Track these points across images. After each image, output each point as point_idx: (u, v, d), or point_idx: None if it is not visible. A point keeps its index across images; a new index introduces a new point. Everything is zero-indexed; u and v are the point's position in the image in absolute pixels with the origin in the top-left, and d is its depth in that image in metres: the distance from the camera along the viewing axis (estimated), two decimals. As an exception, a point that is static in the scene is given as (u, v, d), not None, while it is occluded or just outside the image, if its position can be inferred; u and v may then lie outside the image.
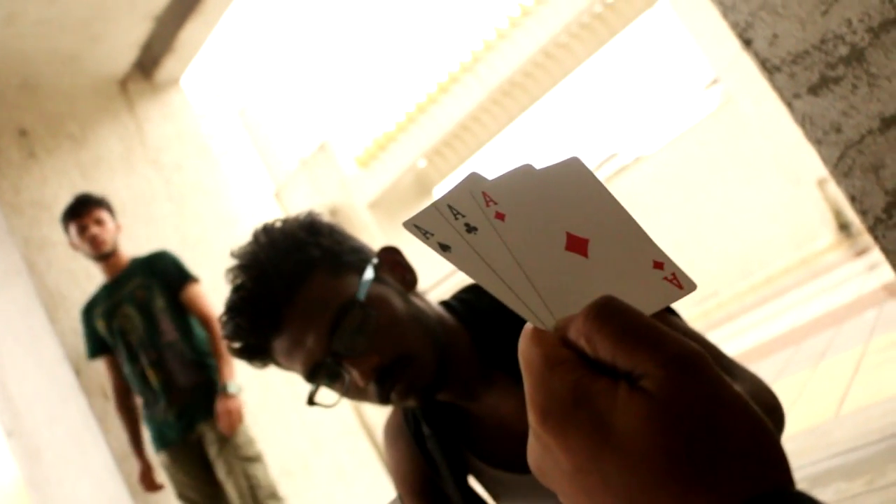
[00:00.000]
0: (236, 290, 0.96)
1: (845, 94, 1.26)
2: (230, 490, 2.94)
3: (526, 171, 0.35)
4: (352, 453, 4.21)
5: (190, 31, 4.08)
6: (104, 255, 3.06)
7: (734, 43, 1.38)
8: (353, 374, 0.92)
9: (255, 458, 3.03)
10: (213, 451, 2.97)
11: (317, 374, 0.94)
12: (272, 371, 3.51)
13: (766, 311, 6.17)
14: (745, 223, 8.70)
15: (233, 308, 0.96)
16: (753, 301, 7.39)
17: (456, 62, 10.69)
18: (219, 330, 3.08)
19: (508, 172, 0.35)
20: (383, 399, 0.95)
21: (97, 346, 3.06)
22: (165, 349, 3.00)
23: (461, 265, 0.35)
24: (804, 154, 7.01)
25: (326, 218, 1.03)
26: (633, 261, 0.35)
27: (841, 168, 1.30)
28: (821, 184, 7.48)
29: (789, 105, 1.31)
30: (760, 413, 0.31)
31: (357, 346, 0.92)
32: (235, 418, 2.94)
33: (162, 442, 2.99)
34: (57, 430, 3.68)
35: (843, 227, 7.53)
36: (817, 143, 1.31)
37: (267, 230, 0.99)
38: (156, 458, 3.06)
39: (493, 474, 1.05)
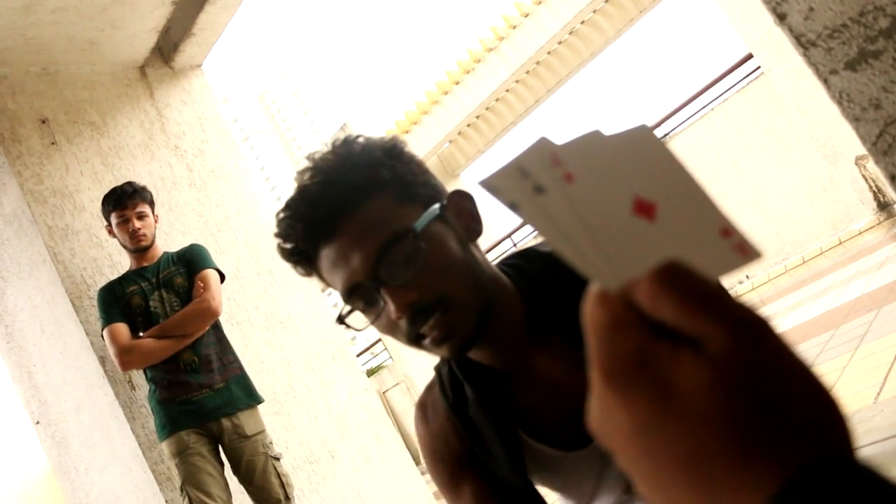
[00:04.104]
0: (300, 190, 0.94)
1: (886, 68, 1.20)
2: (262, 486, 2.99)
3: (595, 136, 0.36)
4: (378, 440, 4.21)
5: (209, 16, 4.03)
6: (142, 249, 3.15)
7: (767, 17, 1.32)
8: (389, 305, 0.90)
9: (281, 457, 3.13)
10: (245, 447, 3.01)
11: (354, 294, 0.93)
12: (298, 359, 3.52)
13: (802, 294, 6.06)
14: (780, 203, 8.52)
15: (291, 206, 0.94)
16: (788, 284, 7.27)
17: (478, 40, 10.59)
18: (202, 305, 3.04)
19: (577, 137, 0.36)
20: (412, 338, 0.93)
21: (121, 316, 3.07)
22: (202, 334, 3.07)
23: (530, 222, 0.36)
24: (842, 130, 6.84)
25: (409, 148, 1.01)
26: (700, 227, 0.35)
27: (880, 146, 1.25)
28: (859, 161, 7.29)
29: (825, 81, 1.25)
30: (824, 382, 0.31)
31: (399, 277, 0.89)
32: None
33: (181, 423, 2.98)
34: (84, 419, 3.71)
35: (883, 206, 7.34)
36: (855, 120, 1.26)
37: (347, 142, 0.97)
38: (164, 447, 3.07)
39: (535, 448, 1.02)
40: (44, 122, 3.83)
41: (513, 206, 0.36)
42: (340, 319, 0.96)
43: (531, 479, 1.04)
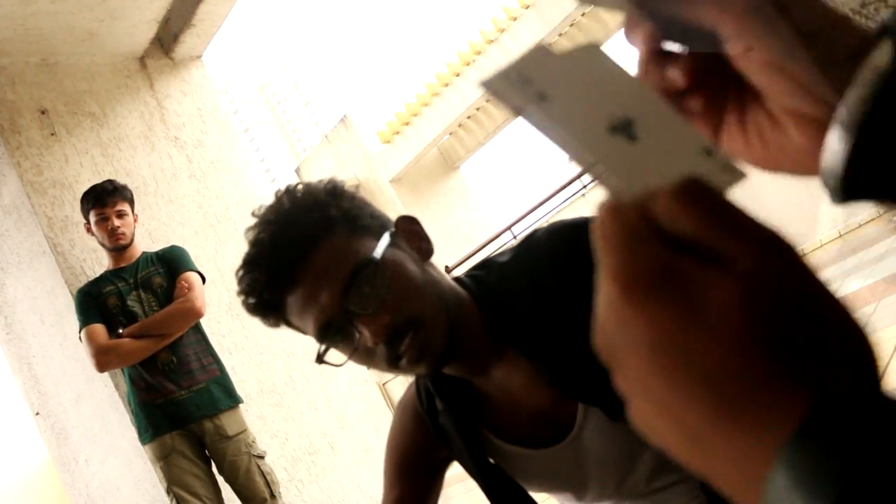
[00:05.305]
0: (255, 244, 0.98)
1: (888, 59, 1.19)
2: (246, 485, 2.99)
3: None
4: (378, 431, 4.22)
5: (209, 6, 4.03)
6: (121, 248, 3.12)
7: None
8: (364, 334, 0.93)
9: (265, 455, 3.12)
10: (227, 448, 3.01)
11: (328, 332, 0.96)
12: (297, 350, 3.51)
13: (802, 285, 6.05)
14: (779, 196, 8.52)
15: (250, 262, 0.98)
16: (788, 275, 7.24)
17: (478, 32, 10.57)
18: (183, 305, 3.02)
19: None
20: (392, 361, 0.96)
21: (98, 317, 3.05)
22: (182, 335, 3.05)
23: (536, 128, 0.35)
24: (842, 123, 6.82)
25: (349, 186, 1.05)
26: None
27: (882, 139, 1.24)
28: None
29: (827, 72, 1.24)
30: (850, 308, 0.30)
31: (369, 305, 0.93)
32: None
33: (163, 426, 2.98)
34: (83, 410, 3.71)
35: (883, 198, 7.34)
36: (857, 112, 1.25)
37: (289, 191, 1.01)
38: (147, 450, 3.06)
39: (506, 449, 1.07)
40: (43, 112, 3.82)
41: (518, 111, 0.35)
42: (319, 359, 0.98)
43: (518, 482, 1.09)
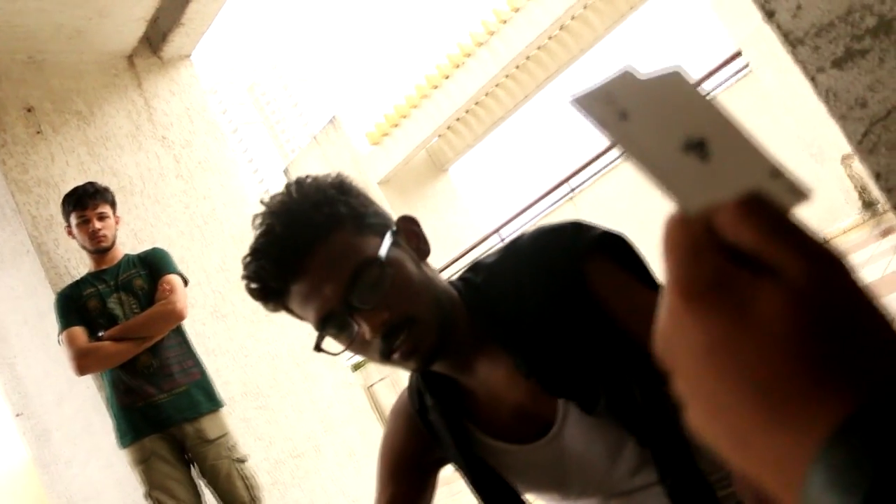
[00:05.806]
0: (264, 233, 1.01)
1: (872, 67, 1.21)
2: (226, 490, 2.97)
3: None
4: (362, 434, 4.21)
5: (199, 5, 4.01)
6: (102, 250, 3.10)
7: (756, 15, 1.32)
8: (363, 328, 0.98)
9: (246, 459, 3.11)
10: (207, 452, 2.99)
11: (328, 323, 1.00)
12: (282, 353, 3.48)
13: (787, 291, 6.08)
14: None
15: (259, 250, 1.01)
16: (773, 281, 7.28)
17: (468, 35, 10.58)
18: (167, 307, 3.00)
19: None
20: (385, 355, 1.00)
21: (78, 320, 3.02)
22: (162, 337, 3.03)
23: (617, 143, 0.37)
24: (828, 130, 6.87)
25: (355, 182, 1.10)
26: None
27: (866, 144, 1.26)
28: (845, 161, 7.33)
29: (813, 79, 1.25)
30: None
31: (371, 301, 0.97)
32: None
33: (143, 430, 2.96)
34: (65, 411, 3.69)
35: (868, 205, 7.39)
36: (842, 118, 1.27)
37: (299, 183, 1.04)
38: (127, 454, 3.03)
39: (491, 445, 1.11)
40: (29, 110, 3.79)
41: (601, 126, 0.37)
42: (318, 347, 1.03)
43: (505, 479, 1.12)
